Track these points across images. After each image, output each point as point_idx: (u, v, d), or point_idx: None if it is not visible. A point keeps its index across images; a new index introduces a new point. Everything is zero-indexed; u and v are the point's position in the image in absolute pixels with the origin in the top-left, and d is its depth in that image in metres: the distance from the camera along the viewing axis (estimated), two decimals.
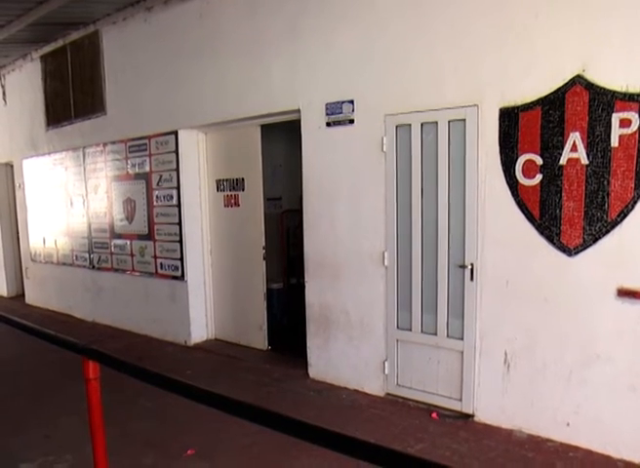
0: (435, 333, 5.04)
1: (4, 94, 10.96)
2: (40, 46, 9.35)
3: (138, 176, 7.88)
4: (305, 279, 6.02)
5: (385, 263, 5.27)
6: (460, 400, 4.92)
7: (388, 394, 5.44)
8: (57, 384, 6.16)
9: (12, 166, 11.45)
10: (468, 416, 4.86)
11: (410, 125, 4.98)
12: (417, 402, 5.22)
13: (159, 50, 7.36)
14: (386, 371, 5.41)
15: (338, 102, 5.47)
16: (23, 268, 11.46)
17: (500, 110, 4.41)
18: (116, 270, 8.56)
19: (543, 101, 4.19)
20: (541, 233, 4.30)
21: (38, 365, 6.91)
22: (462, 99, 4.62)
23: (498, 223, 4.54)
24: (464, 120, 4.63)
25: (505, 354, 4.59)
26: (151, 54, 7.49)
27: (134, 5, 7.47)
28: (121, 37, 7.92)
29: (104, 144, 8.44)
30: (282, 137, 7.48)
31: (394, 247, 5.22)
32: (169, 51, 7.22)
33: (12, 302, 11.39)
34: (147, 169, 7.70)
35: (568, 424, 4.31)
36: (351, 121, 5.39)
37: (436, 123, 4.80)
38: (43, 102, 9.76)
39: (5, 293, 12.02)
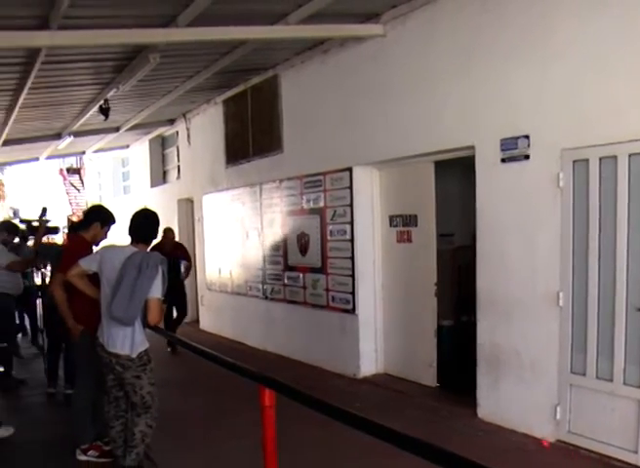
0: (611, 380, 4.91)
1: (189, 136, 12.10)
2: (223, 91, 10.38)
3: (312, 212, 8.38)
4: (477, 317, 6.07)
5: (560, 304, 5.21)
6: (636, 452, 4.73)
7: (559, 440, 5.32)
8: (228, 408, 6.63)
9: (192, 201, 12.53)
10: None
11: (587, 160, 4.96)
12: (588, 451, 5.05)
13: (334, 89, 7.86)
14: (558, 417, 5.30)
15: (512, 138, 5.51)
16: (199, 296, 12.47)
17: None
18: (288, 301, 9.09)
19: None
20: None
21: (210, 389, 7.45)
22: None
23: None
24: None
25: None
26: (326, 93, 8.01)
27: (311, 49, 8.09)
28: (298, 79, 8.59)
29: (280, 181, 9.07)
30: (454, 173, 7.58)
31: (569, 287, 5.16)
32: (343, 90, 7.68)
33: (187, 328, 12.20)
34: (322, 204, 8.17)
35: None
36: (526, 156, 5.42)
37: (615, 157, 4.75)
38: (223, 142, 10.75)
39: None
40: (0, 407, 6.81)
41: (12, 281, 8.01)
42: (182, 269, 9.97)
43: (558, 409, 5.30)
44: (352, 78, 7.50)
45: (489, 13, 5.68)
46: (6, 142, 11.88)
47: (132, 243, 4.82)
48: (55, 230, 8.83)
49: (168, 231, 10.00)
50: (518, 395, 5.67)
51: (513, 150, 5.53)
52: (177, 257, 9.64)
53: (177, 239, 10.77)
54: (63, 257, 5.48)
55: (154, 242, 5.29)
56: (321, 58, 8.03)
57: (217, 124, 10.93)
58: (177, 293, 9.70)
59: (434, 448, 2.23)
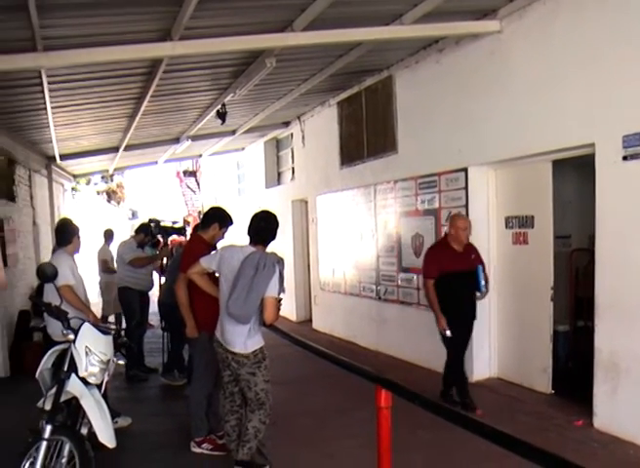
0: None
1: (303, 138, 12.50)
2: (337, 93, 10.70)
3: (426, 213, 8.49)
4: (595, 322, 5.96)
5: None
6: None
7: None
8: (341, 407, 6.85)
9: (306, 202, 12.92)
10: None
11: None
12: None
13: (449, 88, 7.94)
14: None
15: (635, 134, 5.40)
16: (312, 296, 12.88)
17: None
18: (402, 302, 9.22)
19: None
20: None
21: (324, 387, 7.71)
22: None
23: None
24: None
25: None
26: (441, 93, 8.11)
27: (426, 48, 8.24)
28: (412, 79, 8.73)
29: (395, 182, 9.25)
30: (572, 172, 7.48)
31: None
32: (458, 89, 7.75)
33: (300, 327, 12.74)
34: (436, 205, 8.25)
35: None
36: None
37: None
38: (338, 144, 11.05)
39: (294, 318, 13.56)
40: (120, 398, 7.30)
41: (136, 276, 8.59)
42: (482, 282, 6.77)
43: None
44: (468, 76, 7.56)
45: (612, 3, 5.61)
46: (128, 147, 12.74)
47: (250, 243, 5.04)
48: (181, 231, 9.23)
49: (460, 220, 6.85)
50: (637, 405, 5.53)
51: (636, 147, 5.41)
52: (473, 264, 6.79)
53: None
54: (183, 257, 5.83)
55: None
56: (436, 57, 8.13)
57: (331, 125, 11.24)
58: (468, 316, 6.87)
59: (552, 457, 2.32)
